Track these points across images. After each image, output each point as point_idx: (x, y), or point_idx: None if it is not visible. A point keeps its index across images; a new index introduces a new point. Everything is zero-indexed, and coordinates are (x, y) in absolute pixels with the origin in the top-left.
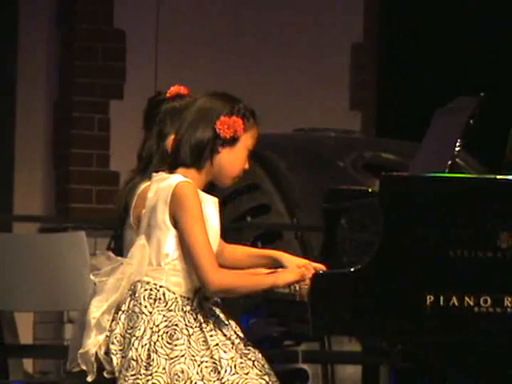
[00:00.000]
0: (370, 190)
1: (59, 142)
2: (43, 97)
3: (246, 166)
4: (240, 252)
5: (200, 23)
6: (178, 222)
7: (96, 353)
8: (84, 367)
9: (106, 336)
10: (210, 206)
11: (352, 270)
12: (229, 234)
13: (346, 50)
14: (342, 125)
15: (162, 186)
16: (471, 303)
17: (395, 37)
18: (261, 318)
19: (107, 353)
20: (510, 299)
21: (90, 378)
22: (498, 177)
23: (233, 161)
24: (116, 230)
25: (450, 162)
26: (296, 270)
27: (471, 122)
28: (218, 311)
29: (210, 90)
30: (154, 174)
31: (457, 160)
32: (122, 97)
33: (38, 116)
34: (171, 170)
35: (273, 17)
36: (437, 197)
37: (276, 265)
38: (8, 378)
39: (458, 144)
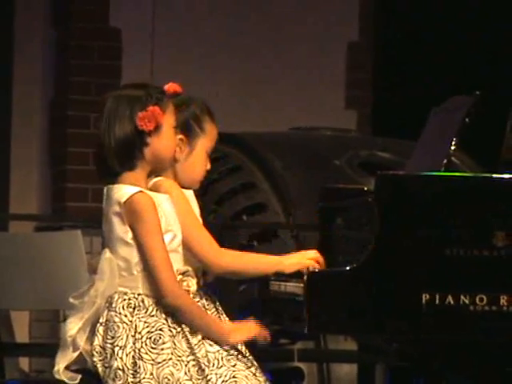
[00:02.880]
0: (365, 189)
1: (55, 140)
2: (39, 95)
3: (177, 142)
4: (246, 259)
5: (196, 21)
6: (135, 235)
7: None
8: (59, 377)
9: (90, 350)
10: (191, 198)
11: (348, 268)
12: (225, 232)
13: (341, 48)
14: (338, 124)
15: (111, 198)
16: (467, 302)
17: (391, 35)
18: (256, 317)
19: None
20: (505, 298)
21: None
22: (494, 176)
23: (165, 144)
24: None
25: (445, 161)
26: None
27: (467, 120)
28: (204, 303)
29: (114, 89)
30: (109, 187)
31: (452, 159)
32: None
33: (34, 115)
34: (107, 180)
35: (269, 15)
36: (432, 196)
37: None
38: (4, 377)
39: (453, 143)
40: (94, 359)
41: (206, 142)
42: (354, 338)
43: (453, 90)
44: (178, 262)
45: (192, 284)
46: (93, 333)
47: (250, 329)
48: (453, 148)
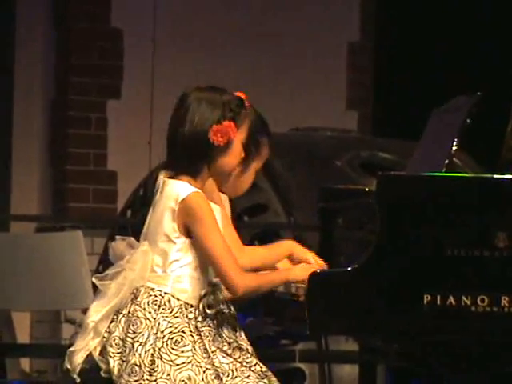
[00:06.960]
0: (366, 190)
1: (56, 141)
2: (40, 96)
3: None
4: (258, 256)
5: (197, 22)
6: (193, 234)
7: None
8: (68, 366)
9: (104, 337)
10: (217, 212)
11: (349, 269)
12: None
13: (342, 49)
14: (339, 124)
15: (168, 193)
16: (468, 302)
17: (392, 36)
18: (257, 317)
19: (102, 353)
20: (507, 298)
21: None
22: (495, 176)
23: (229, 161)
24: (113, 229)
25: (446, 162)
26: (306, 268)
27: (468, 121)
28: (219, 317)
29: (196, 86)
30: (163, 177)
31: (454, 159)
32: (120, 96)
33: (35, 115)
34: (171, 171)
35: (269, 17)
36: (434, 196)
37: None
38: (5, 377)
39: (454, 143)
40: (110, 349)
41: (259, 163)
42: (355, 338)
43: (454, 91)
44: (212, 274)
45: (221, 296)
46: (111, 321)
47: (306, 268)
48: (454, 148)
